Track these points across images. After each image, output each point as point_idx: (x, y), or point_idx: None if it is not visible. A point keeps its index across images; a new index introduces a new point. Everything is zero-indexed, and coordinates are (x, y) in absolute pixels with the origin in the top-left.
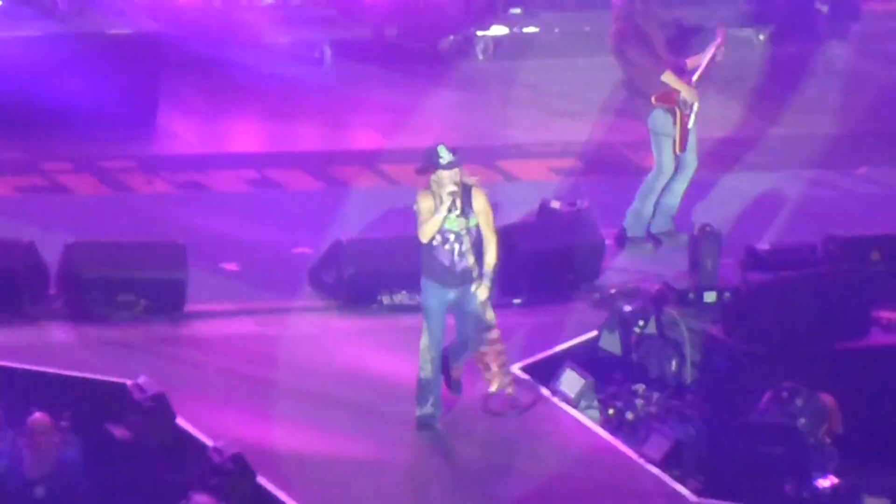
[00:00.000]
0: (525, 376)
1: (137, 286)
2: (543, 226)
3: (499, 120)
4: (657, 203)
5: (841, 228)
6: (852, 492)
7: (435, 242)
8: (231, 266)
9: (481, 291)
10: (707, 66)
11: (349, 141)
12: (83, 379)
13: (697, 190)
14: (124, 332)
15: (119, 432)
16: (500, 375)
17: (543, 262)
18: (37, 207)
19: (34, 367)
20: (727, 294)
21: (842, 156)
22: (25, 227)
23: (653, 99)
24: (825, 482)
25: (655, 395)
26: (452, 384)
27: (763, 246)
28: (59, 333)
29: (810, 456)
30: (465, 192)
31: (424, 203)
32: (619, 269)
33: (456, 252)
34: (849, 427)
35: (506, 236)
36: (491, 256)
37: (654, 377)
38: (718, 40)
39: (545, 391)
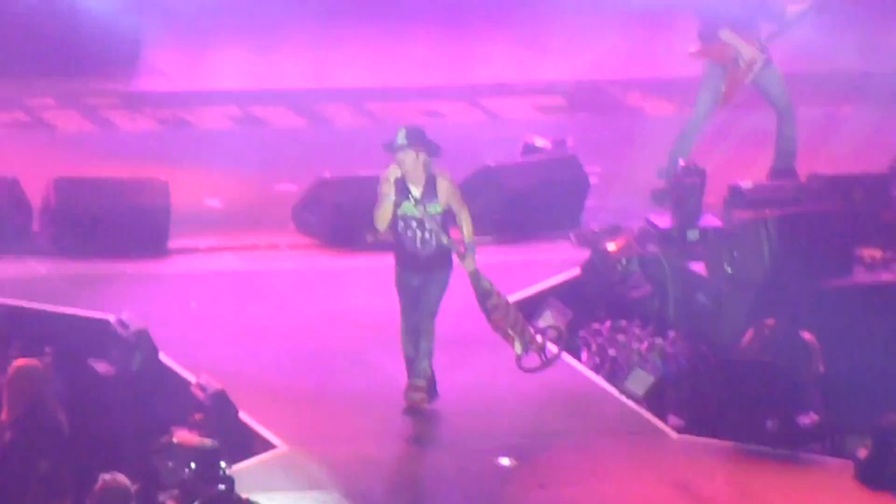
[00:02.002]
0: None
1: (120, 222)
2: (527, 164)
3: (483, 56)
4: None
5: (824, 167)
6: (833, 429)
7: (399, 228)
8: (214, 203)
9: (467, 263)
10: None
11: (334, 78)
12: (66, 315)
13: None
14: (107, 267)
15: (101, 368)
16: (519, 335)
17: (526, 201)
18: (20, 143)
19: (16, 303)
20: (710, 232)
21: (827, 95)
22: (9, 164)
23: (692, 49)
24: (806, 419)
25: (638, 332)
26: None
27: (746, 184)
28: (41, 269)
29: (791, 394)
30: (429, 181)
31: (381, 186)
32: (602, 208)
33: (418, 239)
34: (830, 365)
35: (490, 175)
36: (468, 229)
37: (636, 314)
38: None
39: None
